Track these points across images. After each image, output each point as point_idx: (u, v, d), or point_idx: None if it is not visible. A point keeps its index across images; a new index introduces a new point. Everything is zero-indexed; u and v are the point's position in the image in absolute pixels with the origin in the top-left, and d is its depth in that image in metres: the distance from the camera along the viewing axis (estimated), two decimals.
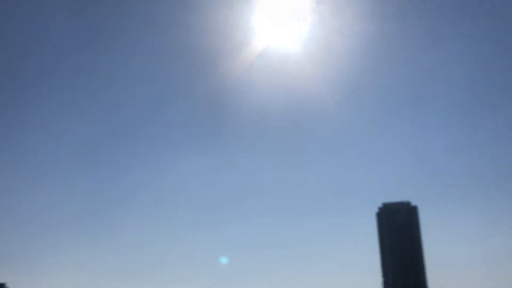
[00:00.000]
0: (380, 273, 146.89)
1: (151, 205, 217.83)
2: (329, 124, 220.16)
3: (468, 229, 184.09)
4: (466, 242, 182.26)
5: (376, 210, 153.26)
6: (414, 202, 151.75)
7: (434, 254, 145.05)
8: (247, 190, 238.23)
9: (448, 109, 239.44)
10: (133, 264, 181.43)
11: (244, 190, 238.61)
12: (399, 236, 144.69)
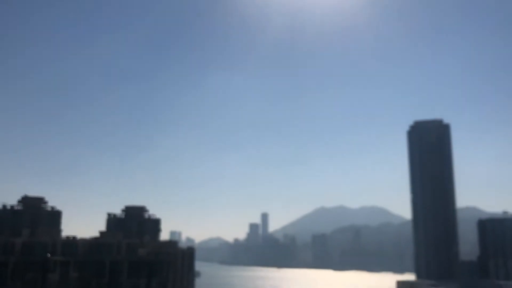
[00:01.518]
0: (409, 191, 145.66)
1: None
2: (358, 41, 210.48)
3: (501, 148, 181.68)
4: (498, 161, 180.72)
5: (407, 128, 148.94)
6: (446, 120, 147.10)
7: (465, 173, 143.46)
8: (273, 108, 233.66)
9: (484, 28, 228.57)
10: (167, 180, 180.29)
11: (270, 108, 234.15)
12: (430, 155, 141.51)
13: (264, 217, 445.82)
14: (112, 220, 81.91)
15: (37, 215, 75.21)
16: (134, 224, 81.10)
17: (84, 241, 61.40)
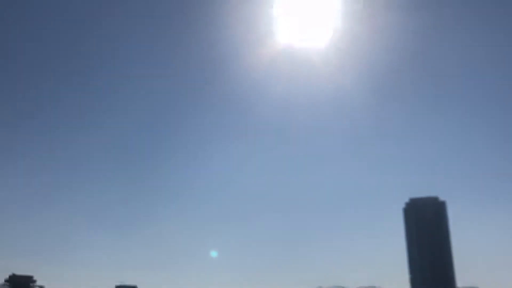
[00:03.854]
0: (407, 270, 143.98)
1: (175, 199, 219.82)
2: (355, 119, 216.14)
3: (499, 225, 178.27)
4: (496, 239, 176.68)
5: (403, 205, 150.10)
6: (442, 197, 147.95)
7: (463, 250, 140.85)
8: (270, 186, 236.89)
9: (478, 105, 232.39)
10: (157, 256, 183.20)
11: (267, 186, 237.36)
12: (427, 232, 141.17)
13: None
14: None
15: None
16: None
17: None
